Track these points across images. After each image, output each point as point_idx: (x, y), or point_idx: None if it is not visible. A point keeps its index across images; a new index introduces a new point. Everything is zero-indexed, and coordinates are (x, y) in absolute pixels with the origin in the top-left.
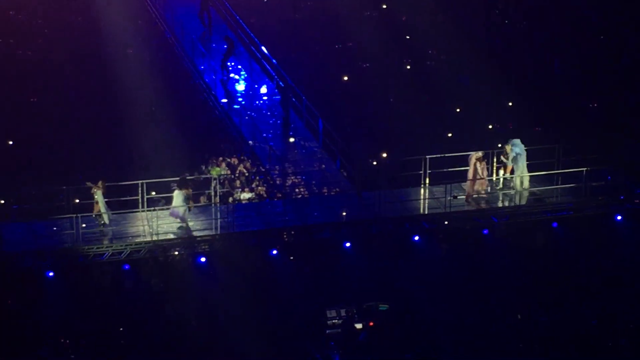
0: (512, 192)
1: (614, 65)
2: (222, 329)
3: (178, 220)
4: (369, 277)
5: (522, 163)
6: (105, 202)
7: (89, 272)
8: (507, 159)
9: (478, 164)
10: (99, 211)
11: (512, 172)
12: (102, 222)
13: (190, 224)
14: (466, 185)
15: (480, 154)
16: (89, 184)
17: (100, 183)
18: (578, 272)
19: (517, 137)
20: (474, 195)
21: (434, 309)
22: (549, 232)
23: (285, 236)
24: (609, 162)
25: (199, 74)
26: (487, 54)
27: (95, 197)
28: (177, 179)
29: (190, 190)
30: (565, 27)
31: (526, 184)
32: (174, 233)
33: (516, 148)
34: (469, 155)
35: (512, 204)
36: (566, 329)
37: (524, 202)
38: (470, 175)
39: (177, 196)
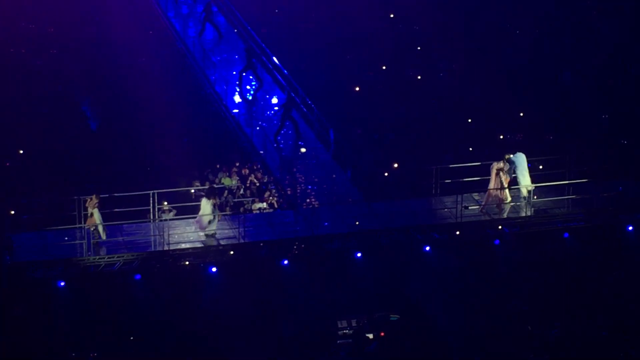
0: (521, 202)
1: (624, 76)
2: (232, 340)
3: (201, 230)
4: (379, 287)
5: (523, 173)
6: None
7: (100, 282)
8: (504, 173)
9: (501, 174)
10: (94, 224)
11: (511, 183)
12: (97, 236)
13: (203, 233)
14: (486, 194)
15: (501, 164)
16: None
17: (93, 197)
18: (589, 283)
19: (527, 148)
20: (493, 205)
21: (445, 319)
22: (560, 243)
23: (296, 246)
24: (620, 173)
25: (210, 84)
26: (498, 65)
27: (90, 210)
28: (206, 188)
29: (218, 200)
30: (576, 37)
31: (524, 193)
32: (185, 243)
33: (517, 159)
34: (490, 165)
35: (523, 214)
36: (577, 340)
37: (532, 212)
38: (491, 185)
39: (205, 205)
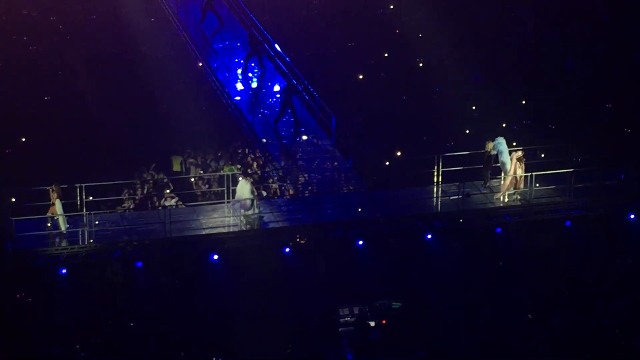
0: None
1: (627, 65)
2: (234, 327)
3: (244, 210)
4: (381, 275)
5: (506, 160)
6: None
7: (102, 269)
8: (522, 162)
9: (518, 163)
10: (55, 214)
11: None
12: (54, 226)
13: (206, 221)
14: (504, 182)
15: (520, 153)
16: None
17: (54, 186)
18: (591, 271)
19: (529, 136)
20: (511, 193)
21: (447, 307)
22: (561, 231)
23: (297, 234)
24: (622, 161)
25: (212, 71)
26: (500, 53)
27: (52, 200)
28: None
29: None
30: (578, 26)
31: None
32: (187, 230)
33: (500, 146)
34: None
35: (525, 202)
36: (578, 329)
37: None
38: (510, 172)
39: (244, 186)
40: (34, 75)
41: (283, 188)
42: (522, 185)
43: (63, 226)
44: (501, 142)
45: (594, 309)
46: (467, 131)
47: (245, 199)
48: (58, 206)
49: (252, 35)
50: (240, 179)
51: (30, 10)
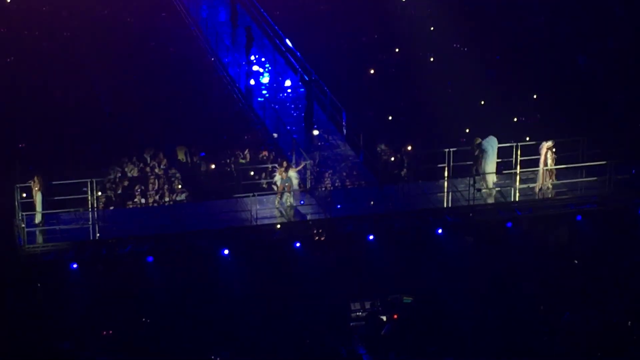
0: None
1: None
2: (245, 322)
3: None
4: (392, 269)
5: (489, 161)
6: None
7: (113, 264)
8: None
9: (549, 154)
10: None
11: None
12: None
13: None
14: (539, 174)
15: (550, 142)
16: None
17: (35, 179)
18: (602, 266)
19: (540, 130)
20: (545, 186)
21: (458, 302)
22: (573, 225)
23: (308, 229)
24: (634, 155)
25: (223, 66)
26: (512, 47)
27: (33, 192)
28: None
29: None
30: (591, 19)
31: (490, 183)
32: (197, 225)
33: (487, 146)
34: (539, 145)
35: (535, 197)
36: (590, 323)
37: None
38: (541, 165)
39: (294, 178)
40: (45, 70)
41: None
42: (554, 177)
43: (38, 217)
44: (490, 142)
45: (606, 304)
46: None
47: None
48: (37, 199)
49: (249, 28)
50: (290, 170)
51: (41, 5)
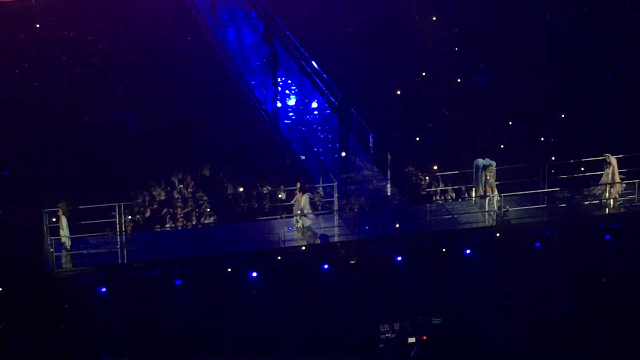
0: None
1: None
2: (274, 344)
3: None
4: (421, 290)
5: (477, 183)
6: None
7: (141, 287)
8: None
9: (614, 168)
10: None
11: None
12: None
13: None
14: (608, 187)
15: (614, 159)
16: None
17: (61, 204)
18: (632, 285)
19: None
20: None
21: (487, 323)
22: (601, 245)
23: (336, 251)
24: None
25: (250, 89)
26: (539, 66)
27: (60, 217)
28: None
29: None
30: (617, 36)
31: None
32: (225, 248)
33: (477, 167)
34: (606, 157)
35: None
36: (620, 344)
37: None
38: (609, 178)
39: (307, 201)
40: (73, 93)
41: (325, 204)
42: (618, 191)
43: (66, 243)
44: (480, 164)
45: (636, 323)
46: (502, 146)
47: (309, 212)
48: (63, 223)
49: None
50: (303, 195)
51: (69, 30)
